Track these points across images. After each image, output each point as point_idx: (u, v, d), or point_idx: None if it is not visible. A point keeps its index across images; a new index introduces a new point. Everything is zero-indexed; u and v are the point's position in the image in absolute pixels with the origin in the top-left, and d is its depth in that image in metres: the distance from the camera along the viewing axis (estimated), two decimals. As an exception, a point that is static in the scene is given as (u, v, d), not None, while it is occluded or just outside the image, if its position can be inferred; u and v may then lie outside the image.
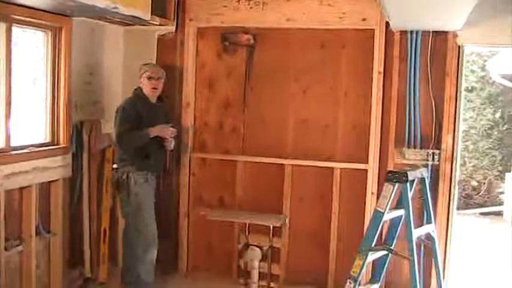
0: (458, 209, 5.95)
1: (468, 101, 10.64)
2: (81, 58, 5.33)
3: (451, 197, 5.25)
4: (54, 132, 5.14)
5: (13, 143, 4.59)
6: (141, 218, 5.15)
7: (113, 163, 5.50)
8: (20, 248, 4.71)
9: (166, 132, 5.21)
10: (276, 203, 5.65)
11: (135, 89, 5.27)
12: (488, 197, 10.89)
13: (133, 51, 5.92)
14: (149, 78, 5.20)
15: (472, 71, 10.78)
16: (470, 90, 10.76)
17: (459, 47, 5.15)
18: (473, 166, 10.95)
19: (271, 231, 5.59)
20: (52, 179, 5.04)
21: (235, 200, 5.81)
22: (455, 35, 5.10)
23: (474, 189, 10.95)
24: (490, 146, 10.94)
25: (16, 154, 4.59)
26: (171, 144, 5.30)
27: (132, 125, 5.02)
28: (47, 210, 5.08)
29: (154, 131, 5.10)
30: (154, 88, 5.22)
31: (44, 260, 5.08)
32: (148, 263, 5.22)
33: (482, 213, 10.34)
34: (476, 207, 10.61)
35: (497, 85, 10.74)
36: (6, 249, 4.51)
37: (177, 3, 5.72)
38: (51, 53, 5.04)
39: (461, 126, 5.40)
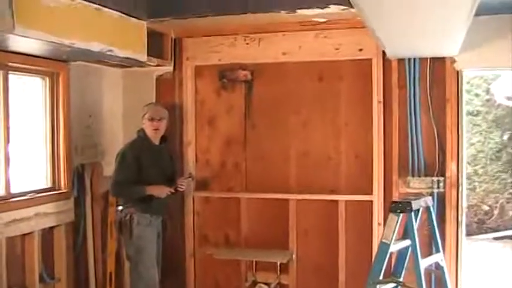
0: (470, 234, 5.88)
1: (475, 125, 10.59)
2: (79, 101, 5.35)
3: (459, 224, 5.16)
4: (55, 177, 5.14)
5: (13, 190, 4.59)
6: (142, 261, 5.04)
7: (118, 204, 5.40)
8: (24, 296, 4.67)
9: (164, 192, 5.14)
10: (281, 238, 5.58)
11: (138, 131, 5.22)
12: (501, 221, 10.74)
13: (132, 92, 5.94)
14: (151, 119, 5.14)
15: (477, 95, 10.74)
16: (476, 114, 10.71)
17: (458, 72, 5.11)
18: (483, 190, 10.83)
19: (279, 268, 5.52)
20: (54, 225, 5.01)
21: (240, 237, 5.75)
22: (453, 60, 5.07)
23: (486, 213, 10.82)
24: (499, 169, 10.83)
25: (17, 201, 4.60)
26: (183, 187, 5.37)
27: (129, 175, 4.95)
28: (51, 256, 5.05)
29: (152, 190, 5.04)
30: (156, 129, 5.17)
31: (50, 308, 5.03)
32: None
33: (495, 238, 10.19)
34: (489, 232, 10.47)
35: (503, 107, 10.68)
36: (9, 298, 4.48)
37: (173, 43, 5.74)
38: (49, 98, 5.08)
39: (467, 151, 5.36)
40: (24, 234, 4.68)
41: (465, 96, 5.32)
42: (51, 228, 5.01)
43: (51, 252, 5.06)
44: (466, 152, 5.22)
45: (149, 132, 5.17)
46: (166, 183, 5.18)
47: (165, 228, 5.32)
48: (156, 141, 5.22)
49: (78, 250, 5.35)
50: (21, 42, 3.99)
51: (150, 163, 5.08)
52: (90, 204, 5.46)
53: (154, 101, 5.79)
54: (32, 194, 4.78)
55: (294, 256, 5.56)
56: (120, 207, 5.21)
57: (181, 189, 5.37)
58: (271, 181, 5.65)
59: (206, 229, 5.86)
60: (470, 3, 3.16)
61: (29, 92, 4.99)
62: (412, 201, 4.44)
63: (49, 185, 5.10)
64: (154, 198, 5.08)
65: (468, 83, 9.76)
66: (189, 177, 5.56)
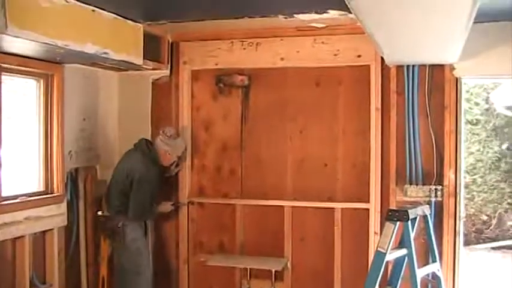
0: (468, 244, 5.81)
1: (474, 134, 10.54)
2: (74, 104, 5.30)
3: (457, 234, 5.10)
4: (48, 180, 5.08)
5: (4, 193, 4.52)
6: (141, 262, 5.22)
7: (99, 210, 5.47)
8: (13, 301, 4.60)
9: (168, 208, 5.54)
10: (277, 245, 5.53)
11: (150, 151, 5.24)
12: (499, 231, 10.68)
13: (128, 96, 5.90)
14: (171, 154, 5.32)
15: (476, 104, 10.70)
16: (475, 123, 10.66)
17: (457, 79, 5.06)
18: (482, 200, 10.77)
19: (273, 276, 5.43)
20: (47, 229, 4.95)
21: (235, 244, 5.68)
22: (452, 68, 5.02)
23: (484, 223, 10.76)
24: (498, 178, 10.78)
25: (8, 204, 4.52)
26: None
27: (147, 198, 5.19)
28: (42, 261, 4.98)
29: (160, 209, 5.47)
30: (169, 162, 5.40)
31: (40, 313, 4.96)
32: None
33: (493, 248, 10.13)
34: (488, 242, 10.41)
35: (502, 117, 10.64)
36: (-2, 303, 4.41)
37: (170, 46, 5.69)
38: (43, 101, 5.02)
39: (465, 160, 5.29)
40: (15, 238, 4.61)
41: (464, 105, 5.25)
42: (43, 232, 4.94)
43: (42, 257, 4.98)
44: (465, 161, 5.15)
45: (164, 160, 5.32)
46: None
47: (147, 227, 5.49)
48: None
49: (71, 254, 5.29)
50: (14, 43, 3.93)
51: (156, 184, 5.27)
52: (83, 208, 5.42)
53: (150, 104, 5.75)
54: (23, 198, 4.71)
55: (289, 264, 5.50)
56: (106, 213, 5.31)
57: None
58: (267, 188, 5.59)
59: (201, 235, 5.79)
60: (469, 11, 3.12)
61: (23, 94, 4.92)
62: (409, 210, 4.39)
63: (42, 188, 5.03)
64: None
65: (468, 91, 9.73)
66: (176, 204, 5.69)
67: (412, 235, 4.43)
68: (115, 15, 4.70)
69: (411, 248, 4.36)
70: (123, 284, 5.27)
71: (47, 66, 4.87)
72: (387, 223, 4.38)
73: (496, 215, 10.70)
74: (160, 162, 5.29)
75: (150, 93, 5.81)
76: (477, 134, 10.78)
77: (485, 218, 10.74)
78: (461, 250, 5.19)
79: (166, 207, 5.52)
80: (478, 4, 3.00)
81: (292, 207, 5.49)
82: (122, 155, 5.40)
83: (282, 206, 5.50)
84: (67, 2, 4.11)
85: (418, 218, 4.63)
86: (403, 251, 4.47)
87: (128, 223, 5.14)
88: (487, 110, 10.85)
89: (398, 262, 4.63)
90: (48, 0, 3.94)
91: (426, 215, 4.70)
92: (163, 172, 5.46)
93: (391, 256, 4.40)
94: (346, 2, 2.92)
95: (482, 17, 3.28)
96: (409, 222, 4.37)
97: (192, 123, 5.78)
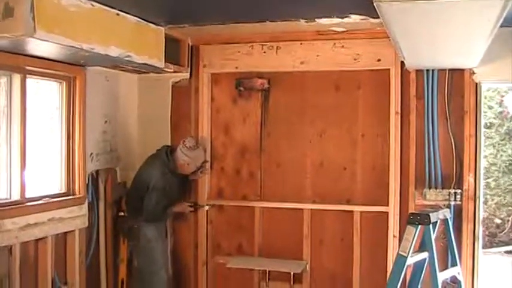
0: (482, 248, 5.81)
1: (487, 137, 10.51)
2: (96, 107, 5.34)
3: (476, 237, 5.11)
4: (69, 182, 5.11)
5: (28, 194, 4.56)
6: (156, 262, 5.32)
7: (120, 210, 5.57)
8: (36, 301, 4.64)
9: (186, 209, 5.59)
10: (295, 248, 5.55)
11: (169, 160, 5.31)
12: (513, 235, 10.67)
13: (148, 99, 5.93)
14: (190, 164, 5.38)
15: (490, 107, 10.67)
16: (488, 126, 10.63)
17: (476, 84, 5.07)
18: (496, 203, 10.75)
19: (292, 278, 5.46)
20: (68, 230, 4.98)
21: (254, 246, 5.70)
22: (472, 72, 5.03)
23: (498, 227, 10.74)
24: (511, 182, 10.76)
25: (31, 205, 4.55)
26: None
27: (161, 202, 5.30)
28: (63, 262, 5.02)
29: (177, 209, 5.54)
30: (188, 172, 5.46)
31: (61, 313, 5.00)
32: None
33: (507, 252, 10.10)
34: (501, 246, 10.38)
35: (516, 120, 10.62)
36: (21, 303, 4.44)
37: (190, 49, 5.72)
38: (65, 103, 5.05)
39: (482, 164, 5.28)
40: (38, 240, 4.65)
41: (481, 108, 5.28)
42: (65, 233, 4.98)
43: (63, 258, 5.02)
44: (480, 165, 5.19)
45: (182, 169, 5.38)
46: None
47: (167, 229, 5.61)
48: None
49: (90, 256, 5.33)
50: (41, 46, 3.97)
51: (174, 190, 5.39)
52: (103, 210, 5.45)
53: (169, 107, 5.79)
54: (46, 199, 4.75)
55: (308, 266, 5.51)
56: (124, 213, 5.46)
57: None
58: (286, 190, 5.61)
59: (219, 238, 5.82)
60: (495, 22, 3.15)
61: (45, 96, 4.97)
62: (430, 214, 4.41)
63: (63, 190, 5.06)
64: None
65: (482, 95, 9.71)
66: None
67: (433, 239, 4.45)
68: (138, 19, 4.74)
69: (433, 251, 4.38)
70: (139, 283, 5.40)
71: (70, 69, 4.91)
72: (408, 227, 4.40)
73: (510, 218, 10.67)
74: (178, 171, 5.36)
75: (170, 96, 5.84)
76: (491, 138, 10.75)
77: (498, 221, 10.72)
78: (481, 254, 5.20)
79: (182, 207, 5.57)
80: (504, 15, 3.04)
81: (311, 210, 5.50)
82: (144, 158, 5.48)
83: (301, 209, 5.52)
84: (93, 5, 4.14)
85: (438, 221, 4.66)
86: (424, 255, 4.49)
87: (143, 223, 5.26)
88: (500, 113, 10.83)
89: (419, 265, 4.65)
90: (75, 4, 3.97)
91: (447, 219, 4.72)
92: (185, 178, 5.52)
93: (412, 260, 4.43)
94: (377, 10, 2.95)
95: (504, 22, 3.29)
96: (431, 226, 4.39)
97: (212, 126, 5.81)
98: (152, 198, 5.21)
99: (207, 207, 5.74)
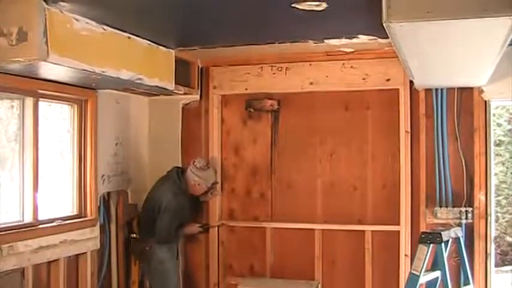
0: (494, 266, 5.79)
1: (497, 155, 10.49)
2: (107, 129, 5.36)
3: (488, 255, 5.09)
4: (81, 204, 5.11)
5: (41, 217, 4.56)
6: (168, 283, 5.31)
7: (131, 232, 5.58)
8: (48, 324, 4.64)
9: (196, 230, 5.58)
10: (307, 268, 5.54)
11: (180, 181, 5.33)
12: (524, 253, 10.61)
13: (158, 120, 5.97)
14: (202, 185, 5.40)
15: (499, 125, 10.67)
16: (498, 144, 10.62)
17: (485, 102, 5.09)
18: (506, 221, 10.71)
19: (304, 298, 5.46)
20: (80, 252, 4.99)
21: (265, 267, 5.70)
22: (481, 90, 5.06)
23: (509, 245, 10.68)
24: (522, 199, 10.73)
25: (44, 228, 4.55)
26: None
27: (174, 224, 5.27)
28: (75, 284, 5.01)
29: (187, 230, 5.52)
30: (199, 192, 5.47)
31: (73, 336, 4.99)
32: None
33: (518, 270, 10.05)
34: (513, 264, 10.33)
35: (525, 137, 10.61)
36: (34, 326, 4.45)
37: (200, 71, 5.77)
38: (77, 126, 5.07)
39: (493, 181, 5.28)
40: (50, 262, 4.65)
41: (488, 127, 5.29)
42: (77, 255, 4.98)
43: (75, 280, 5.01)
44: (490, 183, 5.20)
45: (193, 190, 5.40)
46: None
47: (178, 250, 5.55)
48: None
49: (102, 278, 5.32)
50: (53, 70, 4.01)
51: (188, 210, 5.40)
52: (115, 231, 5.46)
53: (180, 129, 5.82)
54: (58, 221, 4.76)
55: (319, 286, 5.50)
56: (136, 235, 5.45)
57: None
58: (297, 211, 5.62)
59: (231, 258, 5.82)
60: (504, 38, 3.17)
61: (56, 119, 5.01)
62: (442, 232, 4.41)
63: (75, 212, 5.07)
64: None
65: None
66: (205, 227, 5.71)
67: (445, 257, 4.45)
68: (149, 42, 4.79)
69: (445, 270, 4.38)
70: None
71: (81, 92, 4.95)
72: (420, 245, 4.40)
73: (521, 236, 10.64)
74: (190, 192, 5.38)
75: (180, 118, 5.88)
76: (500, 155, 10.74)
77: (510, 239, 10.67)
78: (493, 272, 5.18)
79: (192, 228, 5.57)
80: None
81: (323, 230, 5.51)
82: (155, 180, 5.48)
83: (312, 229, 5.52)
84: (104, 29, 4.20)
85: (450, 240, 4.65)
86: (436, 274, 4.49)
87: (155, 245, 5.25)
88: (509, 130, 10.83)
89: (431, 285, 4.64)
90: (87, 29, 4.03)
91: (458, 237, 4.72)
92: (196, 199, 5.55)
93: (424, 278, 4.42)
94: (386, 30, 2.98)
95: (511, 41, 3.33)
96: (443, 244, 4.39)
97: (222, 148, 5.84)
98: (164, 219, 5.20)
99: (216, 226, 5.75)
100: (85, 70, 4.08)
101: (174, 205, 5.23)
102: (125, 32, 4.44)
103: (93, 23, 4.08)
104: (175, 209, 5.23)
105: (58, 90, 4.68)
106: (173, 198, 5.24)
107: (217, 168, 5.78)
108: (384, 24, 2.91)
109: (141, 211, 5.52)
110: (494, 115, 10.16)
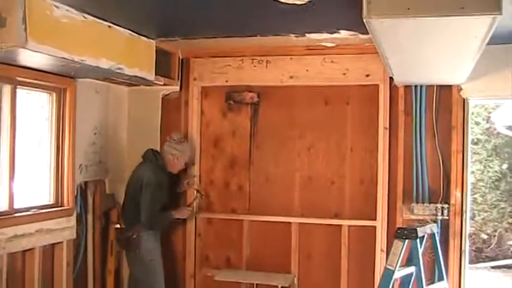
0: (469, 263, 5.86)
1: (474, 153, 10.59)
2: (85, 118, 5.33)
3: (463, 252, 5.14)
4: (58, 193, 5.10)
5: (16, 205, 4.54)
6: (155, 273, 5.23)
7: (109, 222, 5.61)
8: (22, 313, 4.62)
9: (186, 214, 5.51)
10: (283, 261, 5.55)
11: (156, 159, 5.30)
12: (499, 250, 10.72)
13: (138, 111, 5.94)
14: (178, 159, 5.35)
15: (477, 123, 10.77)
16: (475, 142, 10.72)
17: (464, 100, 5.13)
18: (482, 219, 10.82)
19: (280, 291, 5.48)
20: (56, 241, 4.96)
21: (242, 259, 5.71)
22: (459, 88, 5.10)
23: (484, 242, 10.80)
24: (498, 198, 10.83)
25: (19, 216, 4.54)
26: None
27: (158, 204, 5.18)
28: (51, 273, 4.99)
29: (177, 214, 5.41)
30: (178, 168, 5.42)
31: (47, 326, 4.97)
32: None
33: (493, 267, 10.16)
34: (488, 261, 10.44)
35: (503, 136, 10.71)
36: (8, 314, 4.42)
37: (181, 63, 5.75)
38: (55, 114, 5.05)
39: (469, 179, 5.34)
40: (26, 250, 4.63)
41: (467, 124, 5.34)
42: (53, 245, 4.96)
43: (51, 269, 4.99)
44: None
45: (171, 166, 5.35)
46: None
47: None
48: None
49: (78, 267, 5.31)
50: (32, 57, 3.98)
51: (166, 189, 5.29)
52: (91, 221, 5.45)
53: (159, 120, 5.80)
54: (35, 210, 4.74)
55: (295, 280, 5.52)
56: (121, 226, 5.36)
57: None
58: (275, 204, 5.63)
59: (207, 250, 5.82)
60: (483, 36, 3.20)
61: (34, 107, 4.97)
62: (418, 228, 4.45)
63: (52, 201, 5.05)
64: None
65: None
66: (197, 195, 5.65)
67: (420, 253, 4.49)
68: (129, 32, 4.77)
69: (420, 266, 4.42)
70: None
71: (60, 80, 4.91)
72: (396, 241, 4.44)
73: (496, 234, 10.74)
74: (168, 169, 5.34)
75: (160, 109, 5.86)
76: (478, 154, 10.84)
77: (485, 237, 10.79)
78: (467, 269, 5.24)
79: (183, 212, 5.50)
80: (491, 33, 3.10)
81: (300, 223, 5.52)
82: (132, 170, 5.44)
83: (289, 223, 5.54)
84: (85, 18, 4.17)
85: (425, 236, 4.70)
86: (411, 269, 4.53)
87: (142, 234, 5.15)
88: (487, 129, 10.93)
89: (406, 280, 4.67)
90: (67, 16, 4.00)
91: (434, 233, 4.76)
92: (173, 180, 5.50)
93: (399, 274, 4.46)
94: (366, 26, 2.99)
95: (490, 40, 3.36)
96: (418, 240, 4.43)
97: (201, 139, 5.82)
98: (147, 195, 5.10)
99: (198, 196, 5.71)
100: (64, 58, 4.06)
101: (153, 180, 5.14)
102: (105, 21, 4.42)
103: (74, 10, 4.05)
104: (155, 184, 5.14)
105: (37, 78, 4.64)
106: (152, 174, 5.17)
107: (196, 160, 5.78)
108: (364, 20, 2.92)
109: (124, 199, 5.40)
110: (473, 114, 10.32)
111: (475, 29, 3.05)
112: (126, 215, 5.33)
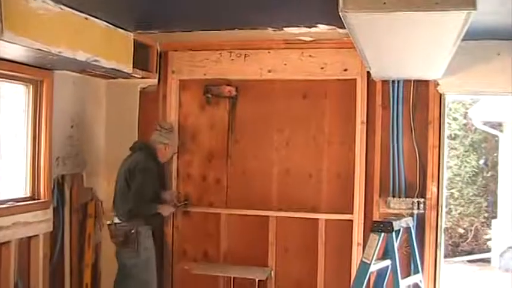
0: (445, 257, 5.92)
1: (452, 148, 10.71)
2: (62, 111, 5.30)
3: (438, 246, 5.19)
4: (34, 186, 5.07)
5: (-8, 198, 4.52)
6: (151, 271, 5.24)
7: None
8: (-3, 306, 4.59)
9: (169, 212, 5.50)
10: (261, 255, 5.57)
11: (147, 147, 5.30)
12: (475, 244, 10.85)
13: (115, 104, 5.92)
14: (169, 149, 5.39)
15: (455, 119, 10.89)
16: (453, 137, 10.84)
17: (441, 95, 5.17)
18: (459, 213, 10.95)
19: (257, 285, 5.46)
20: (32, 234, 4.93)
21: (219, 253, 5.72)
22: (436, 84, 5.14)
23: (461, 236, 10.93)
24: (475, 192, 10.97)
25: (-6, 209, 4.51)
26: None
27: (148, 192, 5.17)
28: (27, 266, 4.96)
29: (160, 209, 5.35)
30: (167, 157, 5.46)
31: (23, 319, 4.94)
32: None
33: (470, 261, 10.29)
34: (464, 255, 10.56)
35: (480, 132, 10.83)
36: (-17, 308, 4.40)
37: (159, 55, 5.73)
38: (32, 106, 5.01)
39: (446, 174, 5.39)
40: (1, 243, 4.59)
41: (445, 120, 5.38)
42: (29, 238, 4.93)
43: (27, 263, 4.96)
44: (444, 175, 5.32)
45: (162, 155, 5.36)
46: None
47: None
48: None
49: (55, 261, 5.28)
50: (8, 49, 3.94)
51: (155, 175, 5.27)
52: (68, 214, 5.41)
53: (137, 113, 5.78)
54: (11, 203, 4.71)
55: (272, 273, 5.54)
56: (118, 220, 5.21)
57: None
58: (252, 197, 5.63)
59: (185, 244, 5.82)
60: (458, 31, 3.23)
61: (12, 99, 4.93)
62: (393, 222, 4.48)
63: (28, 194, 5.02)
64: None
65: (446, 106, 9.90)
66: (185, 202, 5.72)
67: (396, 246, 4.53)
68: (107, 24, 4.74)
69: (395, 259, 4.45)
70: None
71: (37, 72, 4.88)
72: (372, 234, 4.47)
73: (473, 228, 10.87)
74: (157, 158, 5.33)
75: (137, 102, 5.83)
76: (455, 149, 10.96)
77: (462, 231, 10.91)
78: (442, 262, 5.29)
79: (167, 209, 5.44)
80: (466, 28, 3.13)
81: (277, 217, 5.54)
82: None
83: (266, 216, 5.55)
84: (62, 9, 4.14)
85: (401, 229, 4.73)
86: (386, 262, 4.56)
87: (141, 229, 5.13)
88: (465, 125, 11.05)
89: (382, 273, 4.71)
90: (44, 7, 3.96)
91: (409, 227, 4.80)
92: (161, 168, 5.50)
93: (375, 267, 4.49)
94: (343, 20, 3.01)
95: (466, 36, 3.39)
96: (394, 233, 4.46)
97: (179, 132, 5.80)
98: (139, 179, 5.07)
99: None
100: (40, 50, 4.03)
101: (147, 166, 5.15)
102: (82, 12, 4.38)
103: (50, 1, 4.02)
104: (149, 170, 5.15)
105: (13, 69, 4.61)
106: (144, 160, 5.18)
107: (174, 155, 5.74)
108: (340, 14, 2.93)
109: (115, 193, 5.29)
110: (450, 109, 10.42)
111: (450, 24, 3.08)
112: (120, 208, 5.20)
